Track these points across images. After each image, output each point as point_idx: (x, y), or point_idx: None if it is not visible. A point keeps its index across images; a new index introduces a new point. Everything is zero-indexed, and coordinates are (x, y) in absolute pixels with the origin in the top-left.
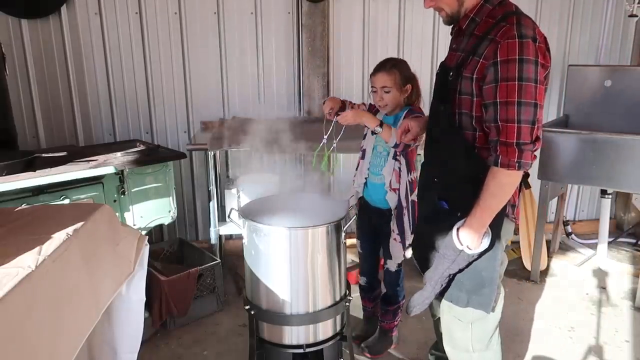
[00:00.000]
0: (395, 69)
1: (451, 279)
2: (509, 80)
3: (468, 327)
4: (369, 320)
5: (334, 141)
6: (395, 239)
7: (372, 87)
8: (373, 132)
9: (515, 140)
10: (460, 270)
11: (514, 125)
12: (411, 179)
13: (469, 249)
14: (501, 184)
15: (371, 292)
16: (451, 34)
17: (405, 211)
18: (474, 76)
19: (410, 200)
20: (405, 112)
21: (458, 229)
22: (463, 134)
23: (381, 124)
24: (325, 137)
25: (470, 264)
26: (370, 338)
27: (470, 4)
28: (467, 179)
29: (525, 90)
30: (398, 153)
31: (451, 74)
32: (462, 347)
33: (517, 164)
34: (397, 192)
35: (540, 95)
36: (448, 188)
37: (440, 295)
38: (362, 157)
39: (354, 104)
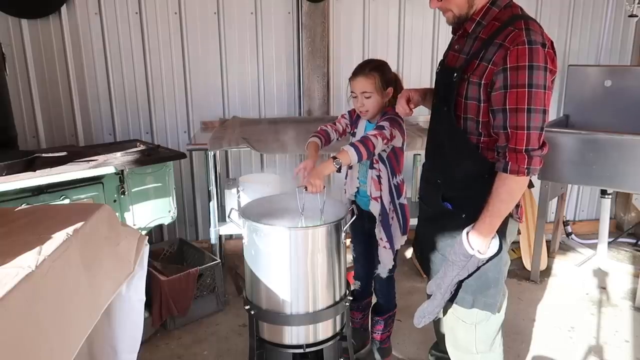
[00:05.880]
0: (375, 72)
1: (459, 284)
2: (518, 87)
3: (472, 329)
4: (356, 332)
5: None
6: (384, 247)
7: (351, 92)
8: (338, 170)
9: (524, 147)
10: (469, 276)
11: (524, 132)
12: (397, 182)
13: (480, 253)
14: (510, 190)
15: (361, 300)
16: (453, 33)
17: (393, 214)
18: (482, 82)
19: (398, 204)
20: (380, 116)
21: (468, 235)
22: (467, 136)
23: (335, 158)
24: (302, 212)
25: (479, 268)
26: (362, 350)
27: (479, 6)
28: (471, 180)
29: (535, 97)
30: (375, 161)
31: (455, 75)
32: (466, 348)
33: (526, 170)
34: (379, 200)
35: (548, 101)
36: (452, 189)
37: (450, 302)
38: (350, 167)
39: (334, 124)
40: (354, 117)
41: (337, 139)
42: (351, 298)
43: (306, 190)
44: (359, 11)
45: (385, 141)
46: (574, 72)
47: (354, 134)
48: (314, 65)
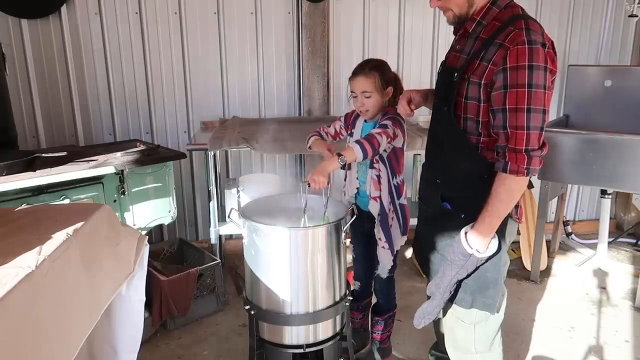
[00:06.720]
0: (375, 72)
1: (459, 284)
2: (518, 87)
3: (471, 329)
4: (356, 332)
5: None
6: (383, 247)
7: (351, 92)
8: (342, 167)
9: (524, 147)
10: (468, 275)
11: (524, 132)
12: (397, 182)
13: (479, 252)
14: (510, 190)
15: (361, 300)
16: (454, 34)
17: (393, 215)
18: (482, 82)
19: (398, 204)
20: (381, 116)
21: (466, 234)
22: (467, 136)
23: (340, 155)
24: (305, 209)
25: (478, 267)
26: (362, 350)
27: (479, 6)
28: (471, 180)
29: (535, 97)
30: (375, 160)
31: (455, 74)
32: (465, 348)
33: (526, 170)
34: (378, 200)
35: (548, 101)
36: (452, 189)
37: (450, 302)
38: (349, 168)
39: (327, 127)
40: (349, 120)
41: (331, 142)
42: (351, 298)
43: (309, 186)
44: (359, 11)
45: (388, 140)
46: (574, 72)
47: (351, 134)
48: (314, 65)
